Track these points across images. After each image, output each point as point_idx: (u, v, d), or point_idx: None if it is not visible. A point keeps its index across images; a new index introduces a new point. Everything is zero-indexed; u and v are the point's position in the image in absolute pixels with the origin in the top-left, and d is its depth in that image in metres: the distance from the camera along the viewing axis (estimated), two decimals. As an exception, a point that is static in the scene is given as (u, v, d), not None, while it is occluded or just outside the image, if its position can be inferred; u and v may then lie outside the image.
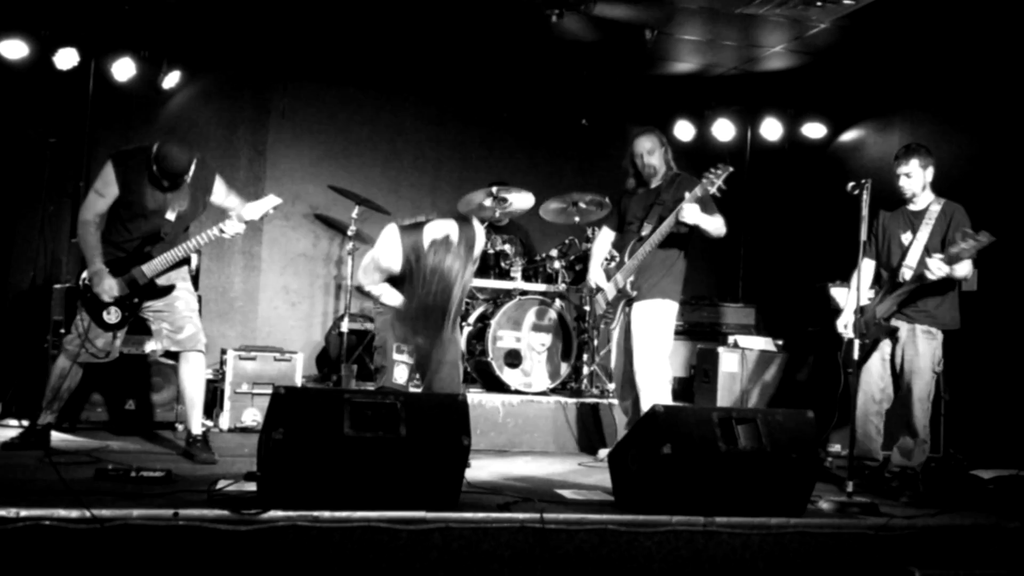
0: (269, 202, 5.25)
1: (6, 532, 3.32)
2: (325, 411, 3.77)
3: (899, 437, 5.42)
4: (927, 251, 5.30)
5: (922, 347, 5.35)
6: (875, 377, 5.45)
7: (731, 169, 5.50)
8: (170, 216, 5.16)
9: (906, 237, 5.43)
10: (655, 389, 5.58)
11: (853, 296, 5.27)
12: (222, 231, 5.16)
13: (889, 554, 4.17)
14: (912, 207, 5.48)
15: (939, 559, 4.21)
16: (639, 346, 5.66)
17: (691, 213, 5.48)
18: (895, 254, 5.48)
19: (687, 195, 5.52)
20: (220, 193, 5.35)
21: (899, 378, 5.42)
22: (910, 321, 5.37)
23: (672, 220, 5.53)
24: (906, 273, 5.33)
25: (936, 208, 5.39)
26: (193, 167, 5.16)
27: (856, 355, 4.96)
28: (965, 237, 4.96)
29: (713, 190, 5.47)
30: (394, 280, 5.10)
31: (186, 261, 5.32)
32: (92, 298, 5.08)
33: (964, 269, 5.18)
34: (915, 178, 5.40)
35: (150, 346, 5.99)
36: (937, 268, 5.07)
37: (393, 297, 5.09)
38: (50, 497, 3.62)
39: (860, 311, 5.13)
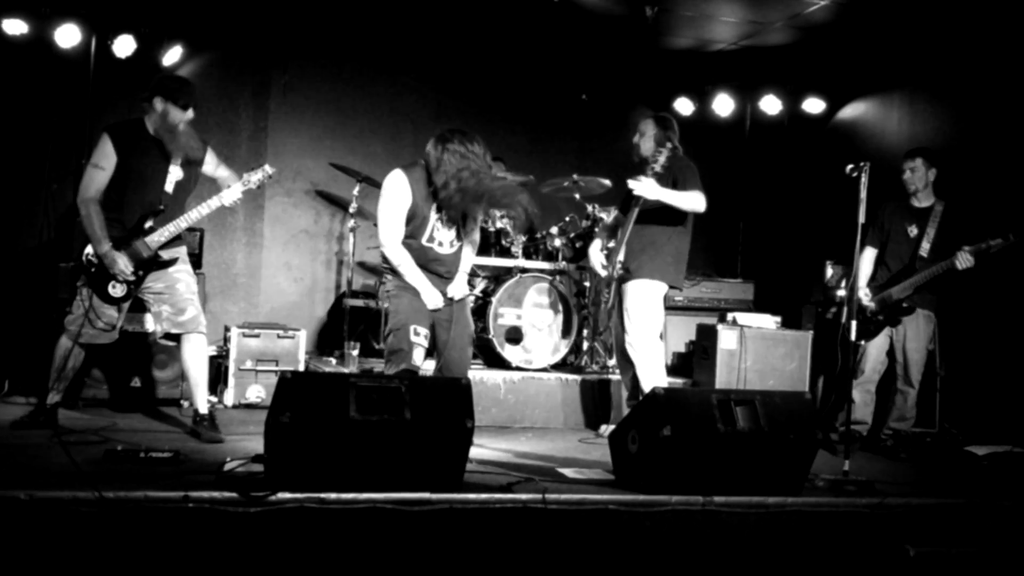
0: (265, 170, 5.31)
1: (17, 513, 3.39)
2: (331, 395, 3.83)
3: (896, 404, 5.95)
4: (935, 246, 5.85)
5: (923, 329, 5.92)
6: (881, 349, 5.94)
7: (668, 147, 5.69)
8: (168, 188, 5.19)
9: (911, 230, 5.97)
10: (647, 367, 5.71)
11: (863, 278, 5.87)
12: (221, 200, 5.20)
13: (884, 532, 4.25)
14: (915, 203, 6.03)
15: (933, 537, 4.29)
16: (629, 326, 5.78)
17: (640, 187, 5.57)
18: (902, 244, 6.01)
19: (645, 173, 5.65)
20: (211, 163, 5.37)
21: (895, 354, 5.95)
22: (915, 304, 5.87)
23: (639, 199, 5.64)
24: (921, 264, 5.84)
25: (940, 208, 5.94)
26: (186, 135, 5.20)
27: (853, 335, 5.03)
28: (995, 235, 5.53)
29: (657, 168, 5.60)
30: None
31: (180, 239, 5.33)
32: (96, 273, 5.09)
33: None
34: (918, 174, 5.96)
35: (150, 324, 6.02)
36: (966, 261, 5.59)
37: (413, 274, 5.13)
38: (61, 479, 3.70)
39: (853, 292, 5.28)
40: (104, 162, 5.08)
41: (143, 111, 5.20)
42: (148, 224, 5.13)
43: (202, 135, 5.48)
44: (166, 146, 5.16)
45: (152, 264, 5.17)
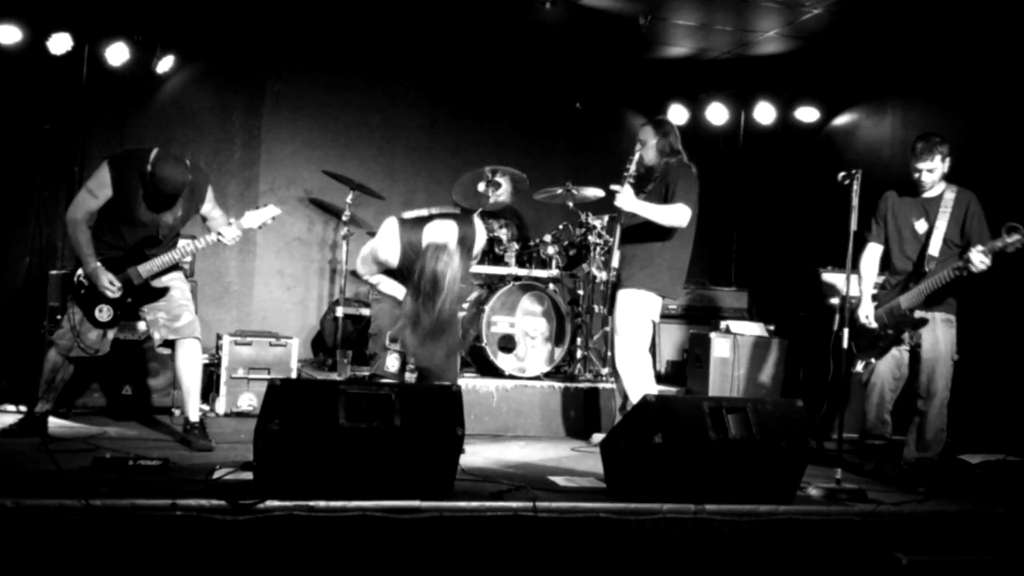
0: (269, 212, 5.33)
1: (3, 521, 3.36)
2: (320, 402, 3.82)
3: (918, 426, 5.43)
4: (947, 242, 5.29)
5: (943, 335, 5.36)
6: (892, 365, 5.48)
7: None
8: (167, 218, 5.19)
9: (920, 225, 5.41)
10: (630, 377, 5.67)
11: (868, 285, 5.48)
12: (220, 236, 5.20)
13: (876, 540, 4.24)
14: (925, 194, 5.44)
15: (926, 545, 4.28)
16: (615, 334, 5.77)
17: (619, 200, 5.56)
18: (909, 242, 5.45)
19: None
20: (209, 203, 5.35)
21: (917, 366, 5.41)
22: (930, 309, 5.34)
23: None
24: (931, 264, 5.30)
25: (951, 196, 5.34)
26: (185, 199, 5.18)
27: (845, 344, 5.01)
28: (1011, 231, 4.91)
29: (629, 175, 5.68)
30: (391, 272, 5.14)
31: (178, 266, 5.35)
32: (86, 295, 5.10)
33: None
34: (936, 172, 5.37)
35: (142, 327, 5.93)
36: (981, 262, 4.98)
37: (390, 286, 5.14)
38: (48, 487, 3.68)
39: (854, 300, 5.21)
40: (98, 191, 5.06)
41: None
42: (145, 252, 5.15)
43: (198, 151, 5.49)
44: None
45: (143, 292, 5.19)
